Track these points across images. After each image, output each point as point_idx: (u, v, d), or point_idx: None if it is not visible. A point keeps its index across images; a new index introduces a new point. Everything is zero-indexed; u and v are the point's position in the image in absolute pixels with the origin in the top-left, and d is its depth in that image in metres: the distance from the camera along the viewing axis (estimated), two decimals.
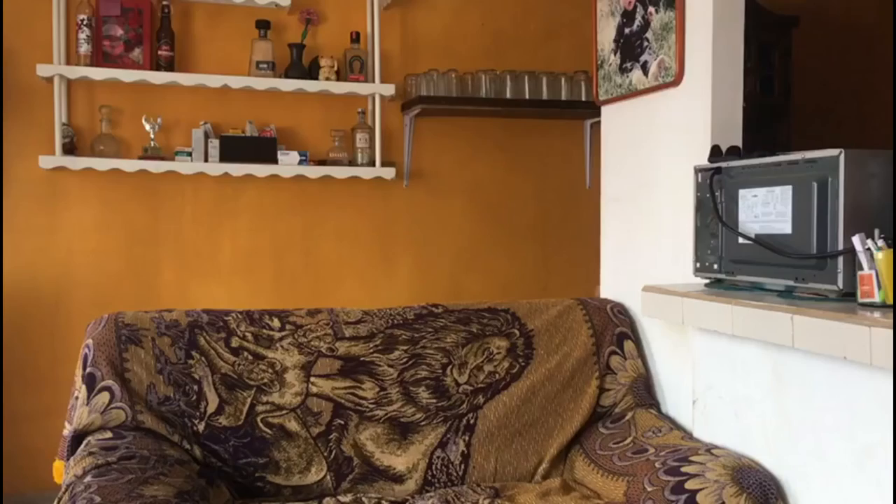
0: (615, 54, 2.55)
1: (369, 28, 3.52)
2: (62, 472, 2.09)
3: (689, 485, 1.80)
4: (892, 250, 1.53)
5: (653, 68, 2.35)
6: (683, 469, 1.86)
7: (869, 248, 1.55)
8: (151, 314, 2.21)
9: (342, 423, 2.16)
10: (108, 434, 1.99)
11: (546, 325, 2.37)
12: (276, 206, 3.48)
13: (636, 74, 2.44)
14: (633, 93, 2.46)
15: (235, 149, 3.30)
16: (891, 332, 1.37)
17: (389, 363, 2.23)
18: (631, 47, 2.46)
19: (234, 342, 2.19)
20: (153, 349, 2.13)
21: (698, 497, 1.76)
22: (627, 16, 2.47)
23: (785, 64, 3.93)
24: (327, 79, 3.39)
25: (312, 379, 2.18)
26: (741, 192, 1.89)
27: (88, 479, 1.78)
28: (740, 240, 1.89)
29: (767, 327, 1.67)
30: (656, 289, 2.08)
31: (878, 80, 3.96)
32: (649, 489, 1.87)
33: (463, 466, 2.20)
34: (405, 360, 2.25)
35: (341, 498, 2.07)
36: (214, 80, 3.27)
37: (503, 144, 3.75)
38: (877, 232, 1.57)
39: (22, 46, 3.17)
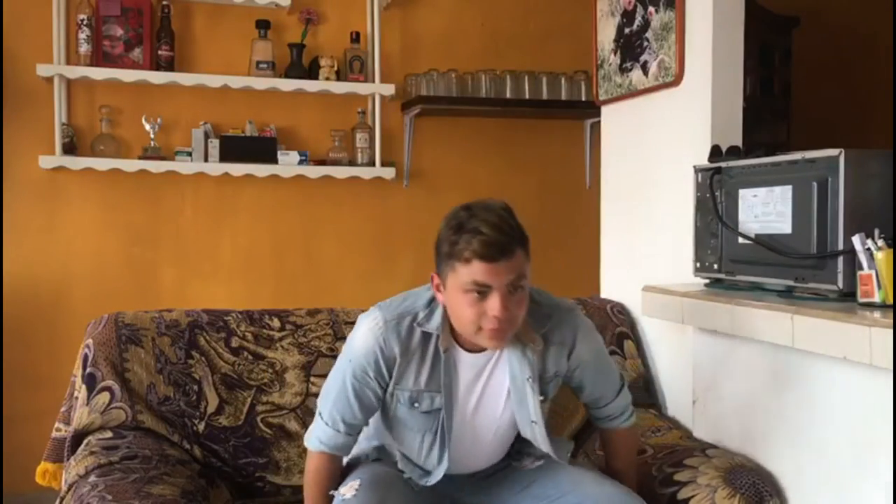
0: (615, 54, 2.55)
1: (369, 28, 3.51)
2: (50, 473, 2.08)
3: (682, 494, 1.79)
4: (892, 250, 1.53)
5: (653, 68, 2.35)
6: (676, 477, 1.84)
7: (869, 248, 1.55)
8: (151, 314, 2.21)
9: None
10: (109, 434, 1.99)
11: None
12: (276, 207, 3.48)
13: (636, 74, 2.44)
14: (633, 93, 2.46)
15: (235, 149, 3.30)
16: (891, 332, 1.37)
17: None
18: (631, 47, 2.46)
19: (234, 342, 2.19)
20: (153, 349, 2.13)
21: None
22: (627, 16, 2.47)
23: (785, 64, 3.93)
24: (327, 79, 3.39)
25: (312, 379, 2.18)
26: (741, 192, 1.89)
27: (93, 478, 1.78)
28: (740, 240, 1.89)
29: (767, 327, 1.67)
30: (656, 289, 2.08)
31: (878, 80, 3.96)
32: None
33: None
34: None
35: None
36: (214, 80, 3.27)
37: (503, 144, 3.74)
38: (877, 232, 1.57)
39: (22, 46, 3.16)
